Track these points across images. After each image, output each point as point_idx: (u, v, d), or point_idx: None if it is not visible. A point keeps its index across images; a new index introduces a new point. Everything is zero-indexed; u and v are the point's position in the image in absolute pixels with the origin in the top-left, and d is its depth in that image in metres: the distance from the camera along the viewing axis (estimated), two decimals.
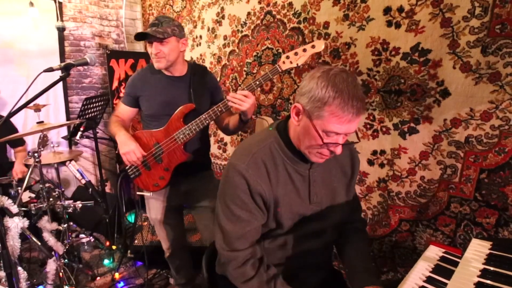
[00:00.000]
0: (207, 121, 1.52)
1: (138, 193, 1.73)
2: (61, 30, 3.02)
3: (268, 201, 1.00)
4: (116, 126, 1.63)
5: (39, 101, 1.51)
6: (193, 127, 1.53)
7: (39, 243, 1.95)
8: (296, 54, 1.41)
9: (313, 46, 1.39)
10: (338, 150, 0.93)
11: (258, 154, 1.00)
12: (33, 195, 2.40)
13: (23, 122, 2.90)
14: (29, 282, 1.76)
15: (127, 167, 1.64)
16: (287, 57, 1.42)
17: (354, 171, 1.15)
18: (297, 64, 1.43)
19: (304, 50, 1.40)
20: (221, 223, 1.03)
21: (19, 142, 2.65)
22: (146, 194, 1.71)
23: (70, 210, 2.16)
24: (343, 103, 0.84)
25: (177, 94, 1.62)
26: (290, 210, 1.03)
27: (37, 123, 1.98)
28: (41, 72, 1.12)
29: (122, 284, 2.23)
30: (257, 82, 1.44)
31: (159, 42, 1.51)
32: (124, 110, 1.71)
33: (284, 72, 1.93)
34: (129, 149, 1.52)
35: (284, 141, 1.02)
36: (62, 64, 1.17)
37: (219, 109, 1.48)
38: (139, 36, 1.53)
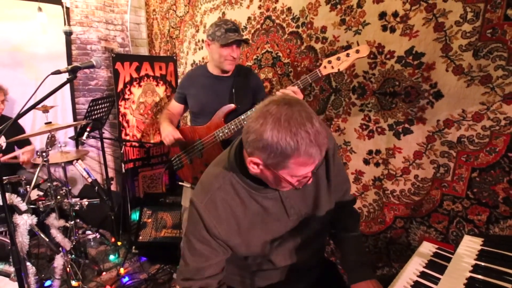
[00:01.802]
0: (245, 122, 1.53)
1: (180, 183, 1.83)
2: (68, 34, 3.02)
3: (228, 244, 0.93)
4: (163, 118, 1.78)
5: (47, 102, 1.50)
6: (232, 126, 1.56)
7: (47, 240, 1.95)
8: (338, 59, 1.33)
9: (357, 51, 1.32)
10: (310, 181, 0.86)
11: (218, 193, 0.91)
12: (41, 193, 2.39)
13: (32, 122, 2.90)
14: (37, 277, 1.76)
15: (171, 158, 1.76)
16: (329, 62, 1.34)
17: (328, 157, 1.01)
18: (339, 69, 1.35)
19: (348, 55, 1.31)
20: (183, 253, 0.99)
21: (26, 142, 2.65)
22: (186, 185, 1.80)
23: (77, 208, 2.16)
24: (307, 151, 0.73)
25: (220, 93, 1.68)
26: (267, 233, 0.96)
27: (45, 123, 1.98)
28: (49, 75, 1.12)
29: (127, 279, 2.23)
30: (296, 87, 1.42)
31: (238, 46, 1.61)
32: (174, 106, 1.85)
33: (325, 77, 1.87)
34: (168, 132, 1.65)
35: (244, 173, 0.91)
36: (69, 67, 1.17)
37: None
38: (231, 41, 1.56)
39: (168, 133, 1.65)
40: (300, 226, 1.01)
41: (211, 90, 1.69)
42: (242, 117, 1.53)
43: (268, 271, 1.05)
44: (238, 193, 0.92)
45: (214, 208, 0.90)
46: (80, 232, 2.38)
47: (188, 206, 0.98)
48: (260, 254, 0.99)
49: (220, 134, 1.59)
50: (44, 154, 1.93)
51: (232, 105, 1.62)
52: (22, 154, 2.37)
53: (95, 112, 2.53)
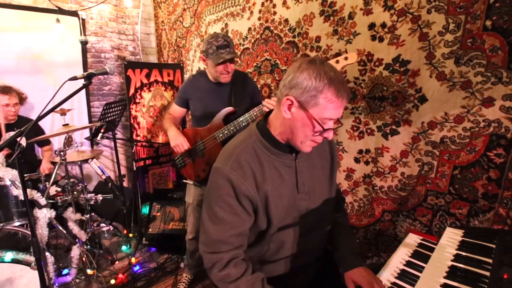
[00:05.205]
0: (243, 123, 1.52)
1: (183, 181, 1.82)
2: (84, 43, 3.02)
3: (255, 201, 0.90)
4: (168, 122, 1.76)
5: (64, 106, 1.51)
6: (231, 128, 1.55)
7: (65, 231, 1.95)
8: None
9: (346, 58, 1.26)
10: (331, 135, 0.87)
11: (241, 155, 0.90)
12: (59, 189, 2.40)
13: (51, 124, 2.90)
14: (55, 265, 1.77)
15: (175, 158, 1.75)
16: None
17: (333, 155, 1.07)
18: None
19: (337, 61, 1.26)
20: (204, 225, 0.93)
21: (46, 141, 2.65)
22: (189, 182, 1.79)
23: (92, 202, 2.16)
24: (337, 89, 0.80)
25: (220, 98, 1.67)
26: (281, 203, 0.93)
27: (63, 125, 1.98)
28: (67, 81, 1.12)
29: (138, 267, 2.23)
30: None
31: (232, 62, 1.58)
32: (176, 109, 1.82)
33: None
34: (178, 142, 1.63)
35: (266, 138, 0.92)
36: (85, 73, 1.17)
37: (255, 113, 1.48)
38: (223, 60, 1.53)
39: (180, 144, 1.62)
40: (306, 204, 0.99)
41: (212, 95, 1.69)
42: (240, 119, 1.52)
43: (272, 263, 1.03)
44: (258, 156, 0.91)
45: (239, 167, 0.88)
46: (95, 224, 2.38)
47: (210, 176, 0.93)
48: (273, 222, 0.94)
49: (220, 135, 1.58)
50: (62, 153, 1.93)
51: (231, 108, 1.63)
52: (43, 172, 2.38)
53: (109, 114, 2.53)
